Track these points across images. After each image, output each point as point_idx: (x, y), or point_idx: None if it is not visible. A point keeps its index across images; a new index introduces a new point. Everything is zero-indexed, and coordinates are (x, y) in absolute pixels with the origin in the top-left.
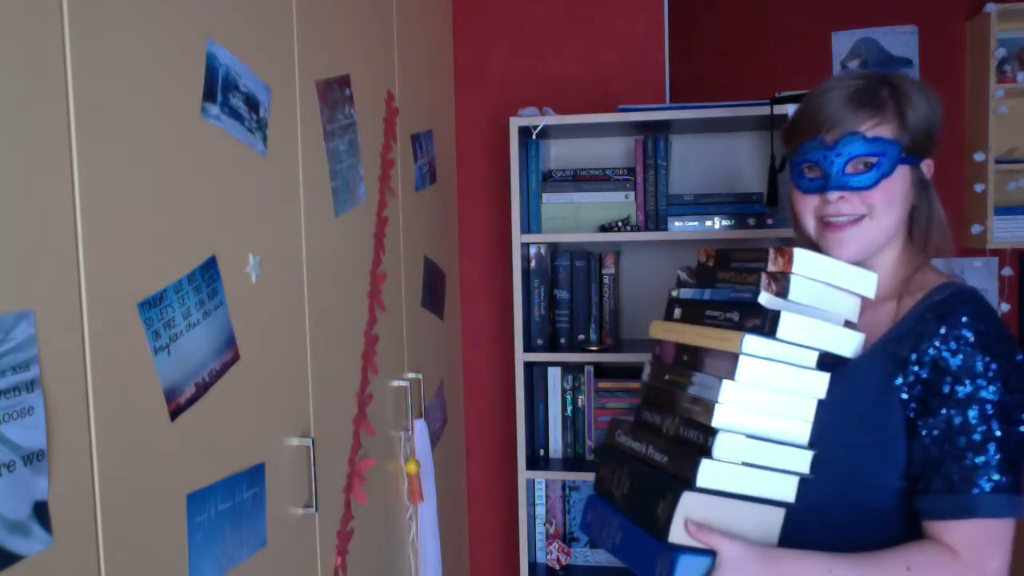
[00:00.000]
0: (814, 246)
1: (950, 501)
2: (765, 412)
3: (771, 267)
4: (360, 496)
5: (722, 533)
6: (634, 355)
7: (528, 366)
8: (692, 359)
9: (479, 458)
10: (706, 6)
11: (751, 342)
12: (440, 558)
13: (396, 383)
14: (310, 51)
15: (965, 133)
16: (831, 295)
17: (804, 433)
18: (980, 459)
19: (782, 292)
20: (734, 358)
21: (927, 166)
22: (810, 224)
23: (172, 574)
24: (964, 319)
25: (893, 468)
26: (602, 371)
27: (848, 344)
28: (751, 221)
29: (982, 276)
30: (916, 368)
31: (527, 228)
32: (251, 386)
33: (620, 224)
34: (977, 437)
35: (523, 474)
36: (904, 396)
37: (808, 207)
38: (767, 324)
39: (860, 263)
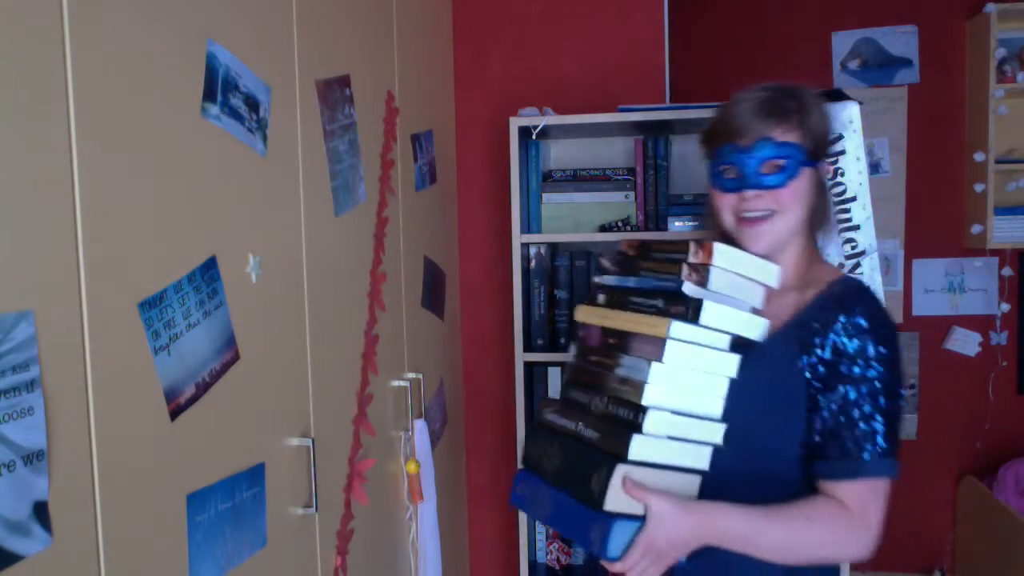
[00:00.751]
0: (728, 240)
1: (843, 465)
2: (686, 390)
3: (692, 259)
4: (360, 496)
5: (650, 490)
6: None
7: (528, 366)
8: (619, 342)
9: (479, 458)
10: (706, 6)
11: (678, 328)
12: (440, 558)
13: (396, 383)
14: (310, 51)
15: (965, 133)
16: (743, 285)
17: (718, 408)
18: (868, 428)
19: (703, 282)
20: (661, 342)
21: (823, 169)
22: (729, 220)
23: (172, 574)
24: (859, 309)
25: (794, 437)
26: None
27: (756, 329)
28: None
29: (982, 276)
30: (819, 351)
31: (527, 228)
32: (251, 386)
33: (620, 224)
34: (867, 409)
35: None
36: (808, 375)
37: (727, 204)
38: (690, 311)
39: (769, 256)
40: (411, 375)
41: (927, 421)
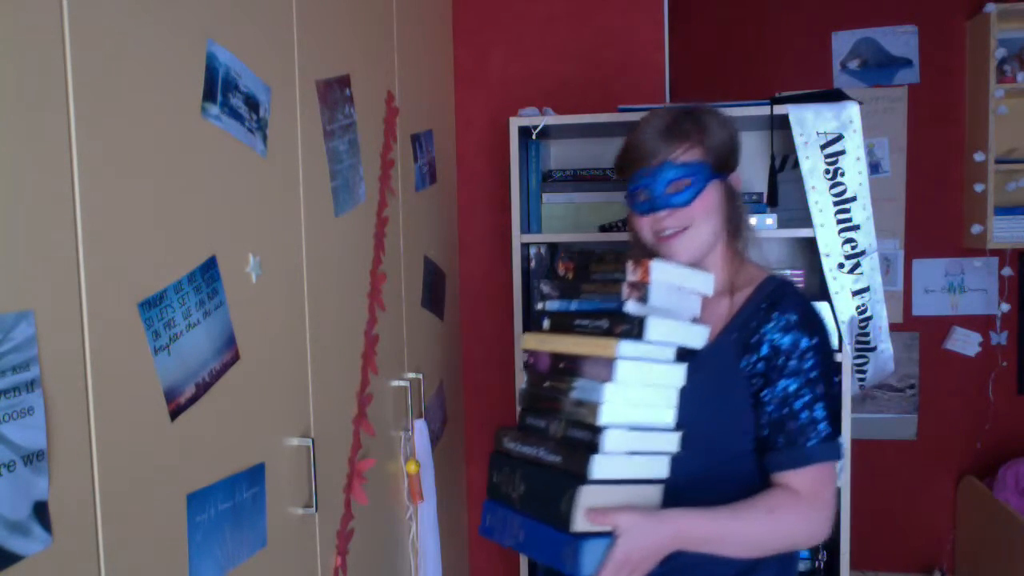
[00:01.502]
0: (652, 255)
1: (792, 454)
2: (639, 405)
3: (630, 278)
4: (360, 496)
5: (617, 509)
6: None
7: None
8: (570, 366)
9: (479, 458)
10: (706, 6)
11: (625, 347)
12: (440, 558)
13: (396, 383)
14: (310, 51)
15: (965, 133)
16: (680, 296)
17: (671, 418)
18: (810, 416)
19: (643, 299)
20: (611, 362)
21: (735, 179)
22: (649, 238)
23: (172, 574)
24: (788, 306)
25: (744, 434)
26: None
27: (699, 338)
28: (751, 221)
29: (982, 276)
30: (758, 349)
31: (527, 228)
32: (251, 386)
33: (620, 224)
34: (807, 399)
35: None
36: (749, 373)
37: (645, 224)
38: (635, 329)
39: (694, 266)
40: (411, 375)
41: (927, 421)
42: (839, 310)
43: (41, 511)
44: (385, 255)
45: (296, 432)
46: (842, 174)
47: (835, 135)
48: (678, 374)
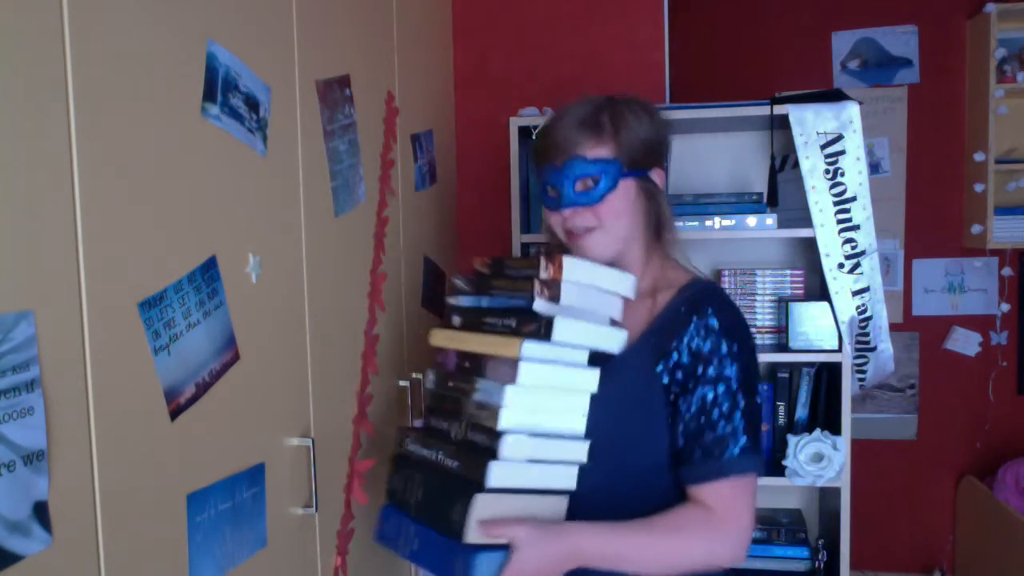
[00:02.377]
0: (567, 251)
1: (707, 466)
2: (545, 410)
3: (543, 274)
4: (360, 496)
5: (512, 521)
6: None
7: None
8: (474, 365)
9: None
10: (706, 6)
11: (530, 347)
12: None
13: (396, 383)
14: (310, 51)
15: (965, 133)
16: (597, 297)
17: (580, 425)
18: (729, 427)
19: (555, 297)
20: (514, 363)
21: (657, 175)
22: (561, 234)
23: (172, 574)
24: (710, 311)
25: (660, 446)
26: None
27: (614, 341)
28: (751, 221)
29: (982, 276)
30: (675, 355)
31: (527, 228)
32: (251, 386)
33: None
34: (726, 408)
35: None
36: (666, 381)
37: (556, 221)
38: (542, 329)
39: (612, 266)
40: (411, 375)
41: (927, 421)
42: (839, 310)
43: (41, 511)
44: (385, 255)
45: (296, 432)
46: (842, 174)
47: (835, 135)
48: (590, 379)
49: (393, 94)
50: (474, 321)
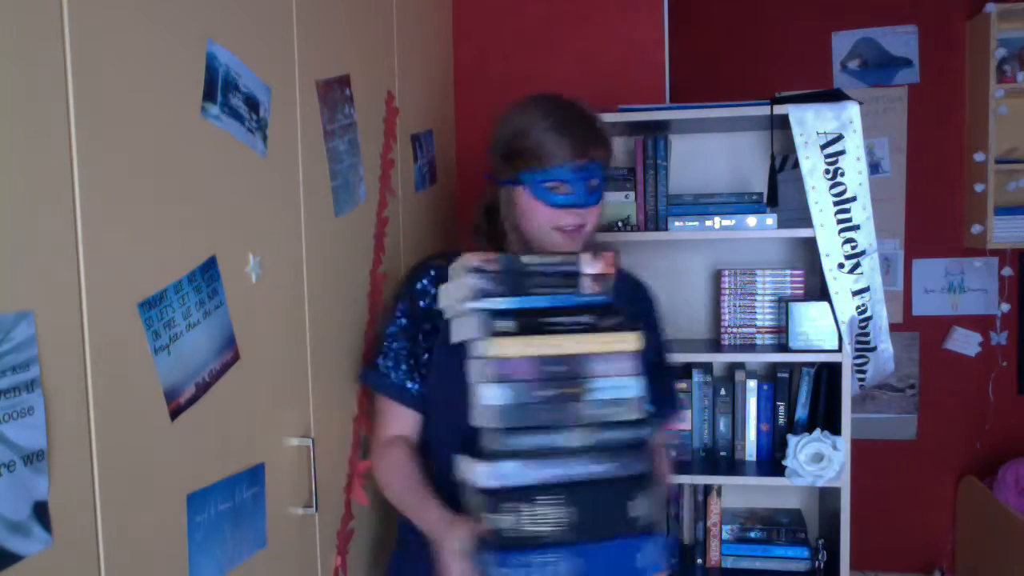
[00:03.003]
0: (525, 246)
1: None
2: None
3: (587, 269)
4: (360, 496)
5: None
6: None
7: None
8: (573, 368)
9: None
10: (706, 6)
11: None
12: None
13: None
14: (310, 51)
15: (965, 133)
16: None
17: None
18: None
19: (608, 291)
20: (632, 355)
21: None
22: (542, 228)
23: (172, 574)
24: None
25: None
26: None
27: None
28: (751, 221)
29: (982, 276)
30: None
31: None
32: (251, 386)
33: (620, 224)
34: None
35: None
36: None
37: (546, 216)
38: (627, 321)
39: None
40: None
41: (927, 421)
42: (839, 310)
43: (41, 511)
44: (385, 255)
45: (296, 432)
46: (842, 174)
47: (835, 135)
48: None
49: (393, 94)
50: (531, 323)
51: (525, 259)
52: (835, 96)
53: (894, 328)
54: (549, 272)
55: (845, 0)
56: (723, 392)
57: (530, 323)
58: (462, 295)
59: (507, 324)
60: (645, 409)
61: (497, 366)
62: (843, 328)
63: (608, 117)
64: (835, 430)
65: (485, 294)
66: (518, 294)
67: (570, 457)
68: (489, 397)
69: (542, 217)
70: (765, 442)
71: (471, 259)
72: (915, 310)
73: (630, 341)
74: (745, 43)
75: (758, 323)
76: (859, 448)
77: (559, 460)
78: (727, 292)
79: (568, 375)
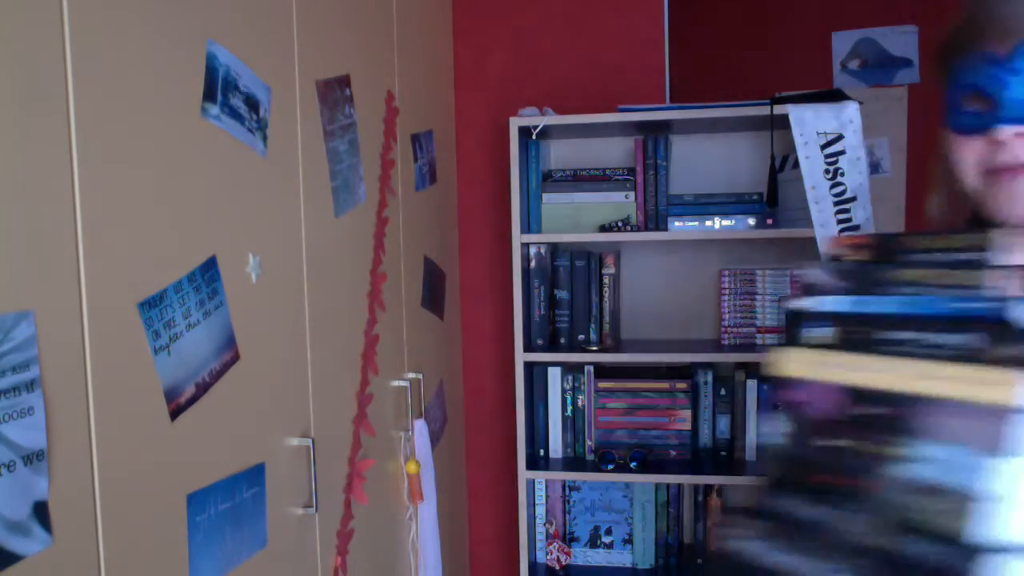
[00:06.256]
0: (977, 219)
1: None
2: None
3: (1006, 260)
4: (360, 496)
5: None
6: (634, 355)
7: (528, 366)
8: (893, 414)
9: (479, 458)
10: (706, 6)
11: None
12: (440, 558)
13: (396, 383)
14: (310, 51)
15: None
16: None
17: None
18: None
19: None
20: (1002, 415)
21: None
22: (972, 177)
23: (172, 574)
24: None
25: None
26: (602, 371)
27: None
28: (751, 221)
29: None
30: None
31: (527, 228)
32: (251, 386)
33: (620, 224)
34: None
35: (523, 474)
36: None
37: (972, 151)
38: None
39: None
40: (411, 375)
41: None
42: None
43: (41, 511)
44: (385, 255)
45: (296, 432)
46: (842, 174)
47: (835, 135)
48: None
49: (393, 94)
50: (863, 338)
51: (914, 239)
52: (835, 96)
53: None
54: (932, 263)
55: (845, 0)
56: (723, 392)
57: (858, 336)
58: (803, 289)
59: (821, 334)
60: (983, 523)
61: (784, 389)
62: None
63: (608, 117)
64: None
65: (813, 289)
66: (861, 293)
67: (828, 550)
68: (766, 431)
69: (960, 155)
70: None
71: (838, 245)
72: None
73: (998, 387)
74: (745, 43)
75: (758, 323)
76: None
77: (810, 546)
78: (727, 292)
79: (885, 422)
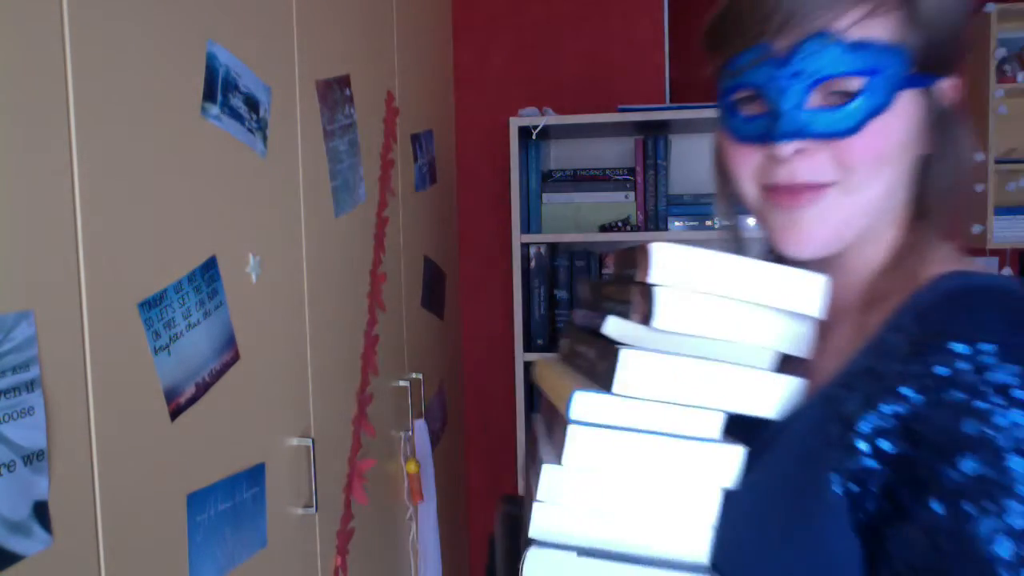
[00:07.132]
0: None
1: None
2: (622, 515)
3: (639, 275)
4: (360, 496)
5: None
6: None
7: (528, 366)
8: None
9: (479, 458)
10: (706, 6)
11: (581, 402)
12: (440, 558)
13: (396, 383)
14: (310, 51)
15: None
16: (745, 316)
17: (700, 546)
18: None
19: (647, 314)
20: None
21: (952, 89)
22: (750, 191)
23: (172, 574)
24: (957, 337)
25: None
26: None
27: (767, 396)
28: (751, 221)
29: None
30: (869, 437)
31: (527, 228)
32: (251, 386)
33: (620, 224)
34: (991, 529)
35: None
36: (849, 486)
37: (746, 164)
38: (607, 373)
39: (827, 260)
40: (411, 375)
41: None
42: None
43: (41, 511)
44: (385, 255)
45: (296, 432)
46: None
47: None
48: (722, 463)
49: (393, 94)
50: (571, 352)
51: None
52: None
53: None
54: (630, 278)
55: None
56: None
57: (567, 350)
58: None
59: (561, 344)
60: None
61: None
62: None
63: (608, 117)
64: None
65: (579, 304)
66: (594, 308)
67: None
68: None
69: (736, 163)
70: None
71: (608, 259)
72: None
73: (562, 399)
74: None
75: None
76: None
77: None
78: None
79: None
